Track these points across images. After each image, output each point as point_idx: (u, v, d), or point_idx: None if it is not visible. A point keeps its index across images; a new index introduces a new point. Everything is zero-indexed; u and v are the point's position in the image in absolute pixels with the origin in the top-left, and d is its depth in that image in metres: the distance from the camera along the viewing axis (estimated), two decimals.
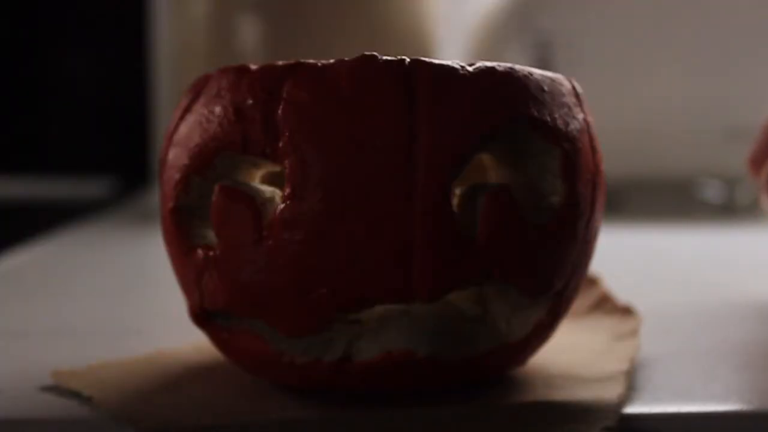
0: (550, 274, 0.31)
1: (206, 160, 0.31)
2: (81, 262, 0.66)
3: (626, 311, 0.41)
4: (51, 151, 1.31)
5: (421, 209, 0.28)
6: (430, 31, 0.91)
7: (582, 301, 0.43)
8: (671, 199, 1.00)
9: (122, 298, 0.53)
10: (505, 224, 0.30)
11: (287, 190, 0.29)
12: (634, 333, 0.38)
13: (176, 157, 0.32)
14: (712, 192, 1.01)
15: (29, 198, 1.25)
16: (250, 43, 0.87)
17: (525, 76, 0.30)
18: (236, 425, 0.29)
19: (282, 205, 0.29)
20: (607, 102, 0.89)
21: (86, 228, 0.86)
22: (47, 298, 0.52)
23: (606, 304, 0.43)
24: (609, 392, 0.31)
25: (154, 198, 1.05)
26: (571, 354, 0.36)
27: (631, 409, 0.31)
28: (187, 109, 0.32)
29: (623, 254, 0.68)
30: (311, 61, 0.30)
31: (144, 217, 0.95)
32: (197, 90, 0.32)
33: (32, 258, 0.67)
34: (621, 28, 0.94)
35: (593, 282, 0.44)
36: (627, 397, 0.32)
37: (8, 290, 0.55)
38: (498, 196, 0.30)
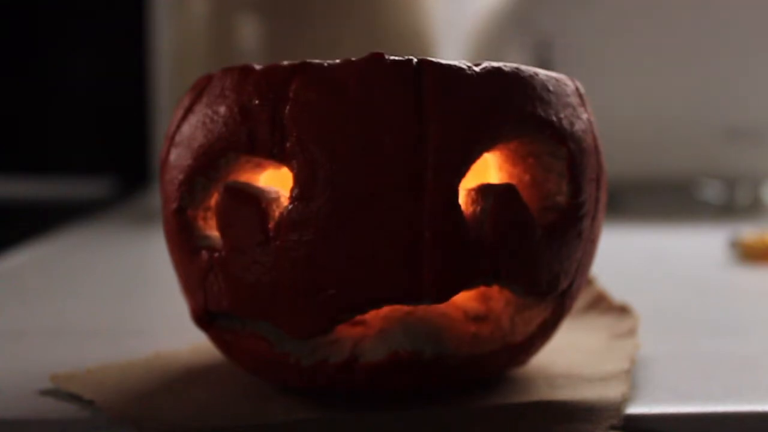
0: (557, 273, 0.31)
1: (211, 161, 0.31)
2: (81, 262, 0.66)
3: (623, 310, 0.41)
4: (51, 151, 1.31)
5: (430, 209, 0.28)
6: (430, 32, 0.91)
7: (578, 300, 0.42)
8: (671, 199, 1.01)
9: (122, 299, 0.53)
10: (512, 224, 0.30)
11: (295, 191, 0.29)
12: (632, 332, 0.38)
13: (179, 157, 0.32)
14: (712, 192, 1.01)
15: (29, 198, 1.25)
16: (251, 43, 0.87)
17: (531, 76, 0.30)
18: (241, 428, 0.29)
19: (290, 206, 0.29)
20: (607, 102, 0.89)
21: (86, 228, 0.86)
22: (47, 298, 0.52)
23: (602, 304, 0.43)
24: (612, 391, 0.31)
25: (154, 198, 1.05)
26: (571, 353, 0.36)
27: (630, 409, 0.31)
28: (189, 110, 0.32)
29: (623, 254, 0.68)
30: (317, 61, 0.30)
31: (144, 217, 0.95)
32: (199, 90, 0.32)
33: (32, 258, 0.67)
34: (621, 28, 0.94)
35: (589, 281, 0.44)
36: (629, 396, 0.32)
37: (8, 290, 0.55)
38: (505, 196, 0.30)
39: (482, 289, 0.32)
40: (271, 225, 0.29)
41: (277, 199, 0.30)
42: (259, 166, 0.31)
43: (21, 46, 1.29)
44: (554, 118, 0.31)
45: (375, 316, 0.31)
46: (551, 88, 0.31)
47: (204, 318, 0.32)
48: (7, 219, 1.09)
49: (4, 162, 1.30)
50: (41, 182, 1.28)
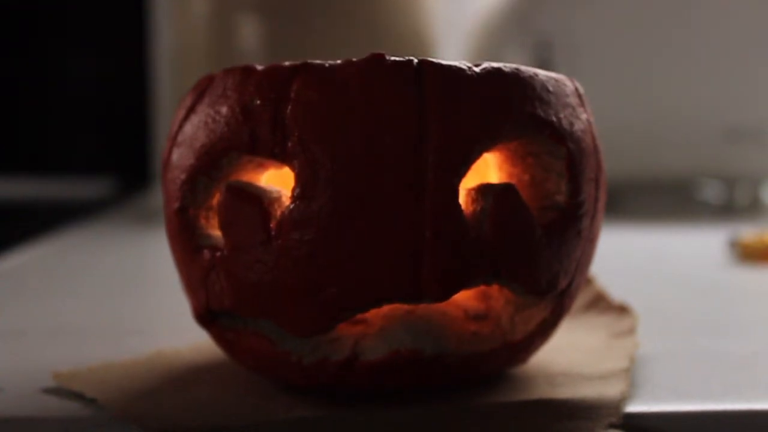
0: (556, 272, 0.31)
1: (213, 161, 0.31)
2: (81, 262, 0.67)
3: (622, 309, 0.41)
4: (51, 151, 1.31)
5: (431, 209, 0.28)
6: (430, 31, 0.92)
7: (577, 300, 0.43)
8: (671, 199, 1.01)
9: (122, 298, 0.53)
10: (512, 224, 0.30)
11: (297, 190, 0.29)
12: (631, 331, 0.38)
13: (181, 157, 0.32)
14: (712, 192, 1.02)
15: (29, 198, 1.25)
16: (251, 43, 0.87)
17: (530, 76, 0.31)
18: (243, 426, 0.29)
19: (291, 206, 0.29)
20: (607, 102, 0.90)
21: (86, 228, 0.86)
22: (47, 298, 0.52)
23: (601, 303, 0.43)
24: (612, 390, 0.32)
25: (155, 198, 1.05)
26: (571, 352, 0.36)
27: (629, 407, 0.31)
28: (192, 109, 0.32)
29: (623, 254, 0.68)
30: (318, 61, 0.30)
31: (144, 218, 0.96)
32: (201, 90, 0.32)
33: (32, 258, 0.67)
34: (621, 28, 0.95)
35: (588, 281, 0.45)
36: (629, 394, 0.32)
37: (8, 290, 0.55)
38: (505, 196, 0.30)
39: (482, 288, 0.32)
40: (272, 224, 0.29)
41: (278, 199, 0.30)
42: (261, 166, 0.31)
43: (21, 46, 1.29)
44: (554, 118, 0.31)
45: (376, 314, 0.31)
46: (551, 88, 0.31)
47: (206, 317, 0.32)
48: (7, 219, 1.09)
49: (4, 162, 1.30)
50: (41, 182, 1.29)
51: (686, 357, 0.38)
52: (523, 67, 0.31)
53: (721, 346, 0.39)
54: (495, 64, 0.30)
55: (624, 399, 0.31)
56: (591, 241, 0.33)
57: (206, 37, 0.89)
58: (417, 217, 0.28)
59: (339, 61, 0.29)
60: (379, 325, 0.31)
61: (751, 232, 0.68)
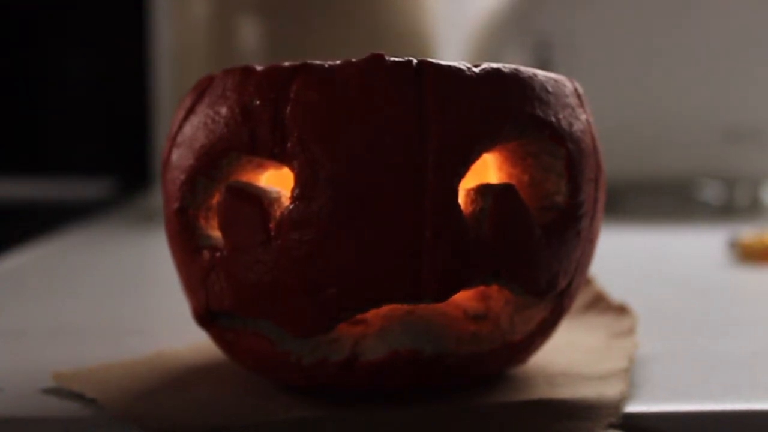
0: (556, 272, 0.31)
1: (213, 161, 0.31)
2: (81, 263, 0.67)
3: (621, 310, 0.42)
4: (51, 152, 1.31)
5: (431, 209, 0.28)
6: (430, 32, 0.92)
7: (577, 300, 0.43)
8: (671, 199, 1.01)
9: (122, 298, 0.53)
10: (512, 224, 0.30)
11: (296, 191, 0.29)
12: (631, 331, 0.39)
13: (181, 157, 0.32)
14: (712, 192, 1.02)
15: (29, 198, 1.25)
16: (251, 43, 0.87)
17: (530, 77, 0.31)
18: (243, 426, 0.29)
19: (291, 206, 0.29)
20: (607, 102, 0.90)
21: (87, 229, 0.86)
22: (47, 298, 0.52)
23: (600, 303, 0.43)
24: (611, 390, 0.32)
25: (155, 199, 1.05)
26: (570, 352, 0.36)
27: (629, 407, 0.31)
28: (191, 110, 0.32)
29: (623, 254, 0.68)
30: (318, 61, 0.30)
31: (144, 218, 0.96)
32: (201, 90, 0.32)
33: (32, 258, 0.67)
34: (621, 29, 0.95)
35: (587, 281, 0.45)
36: (629, 394, 0.32)
37: (8, 290, 0.55)
38: (504, 196, 0.30)
39: (482, 288, 0.32)
40: (272, 225, 0.29)
41: (278, 199, 0.30)
42: (261, 167, 0.31)
43: (21, 46, 1.29)
44: (553, 119, 0.31)
45: (375, 314, 0.31)
46: (550, 88, 0.31)
47: (206, 317, 0.32)
48: (7, 219, 1.09)
49: (4, 162, 1.30)
50: (42, 183, 1.29)
51: (686, 357, 0.38)
52: (522, 68, 0.31)
53: (721, 346, 0.40)
54: (494, 65, 0.30)
55: (623, 399, 0.31)
56: (590, 242, 0.33)
57: (206, 37, 0.89)
58: (417, 217, 0.28)
59: (339, 61, 0.29)
60: (378, 325, 0.31)
61: (751, 232, 0.68)
